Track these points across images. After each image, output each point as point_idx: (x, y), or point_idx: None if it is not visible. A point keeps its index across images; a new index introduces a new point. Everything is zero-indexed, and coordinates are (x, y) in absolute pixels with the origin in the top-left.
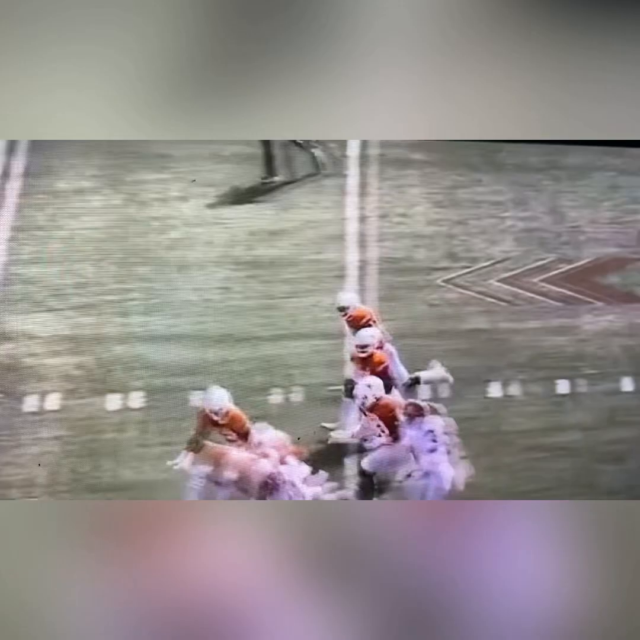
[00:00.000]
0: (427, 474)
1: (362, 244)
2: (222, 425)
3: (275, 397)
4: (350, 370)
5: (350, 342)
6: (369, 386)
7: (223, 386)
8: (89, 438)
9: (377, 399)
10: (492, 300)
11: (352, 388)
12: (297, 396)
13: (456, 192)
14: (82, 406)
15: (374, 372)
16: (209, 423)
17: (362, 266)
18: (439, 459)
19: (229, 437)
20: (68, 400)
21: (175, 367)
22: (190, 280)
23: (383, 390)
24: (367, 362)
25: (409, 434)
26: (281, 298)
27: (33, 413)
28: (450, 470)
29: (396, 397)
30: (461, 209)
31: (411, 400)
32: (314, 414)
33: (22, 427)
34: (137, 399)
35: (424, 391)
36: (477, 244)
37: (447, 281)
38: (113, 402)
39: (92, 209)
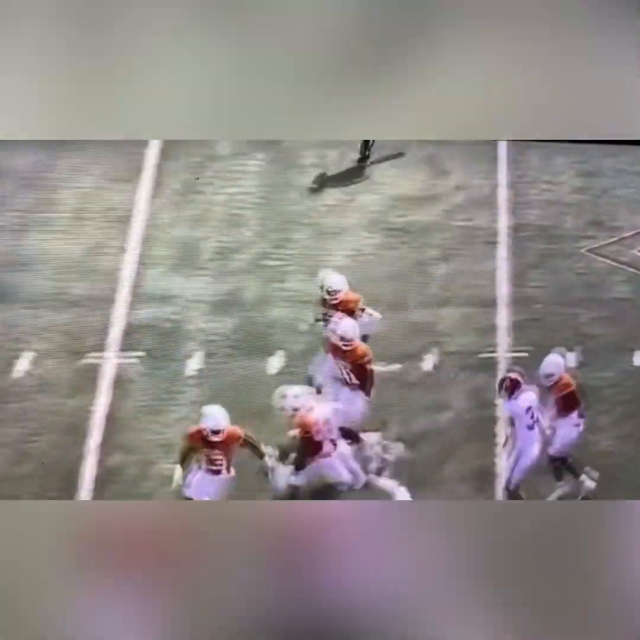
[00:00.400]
0: (519, 451)
1: (511, 210)
2: (214, 446)
3: (427, 364)
4: (324, 358)
5: (331, 330)
6: (296, 396)
7: (376, 353)
8: (239, 398)
9: (298, 410)
10: (635, 270)
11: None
12: (448, 363)
13: (600, 161)
14: (236, 368)
15: (355, 365)
16: (201, 442)
17: (511, 233)
18: (533, 437)
19: (216, 459)
20: (221, 363)
21: None
22: (344, 245)
23: (309, 402)
24: (347, 355)
25: (509, 408)
26: (432, 264)
27: (186, 376)
28: (538, 450)
29: (321, 412)
30: (605, 178)
31: (507, 374)
32: (465, 381)
33: (174, 390)
34: (277, 363)
35: (572, 359)
36: (621, 213)
37: (591, 251)
38: (271, 364)
39: (249, 173)
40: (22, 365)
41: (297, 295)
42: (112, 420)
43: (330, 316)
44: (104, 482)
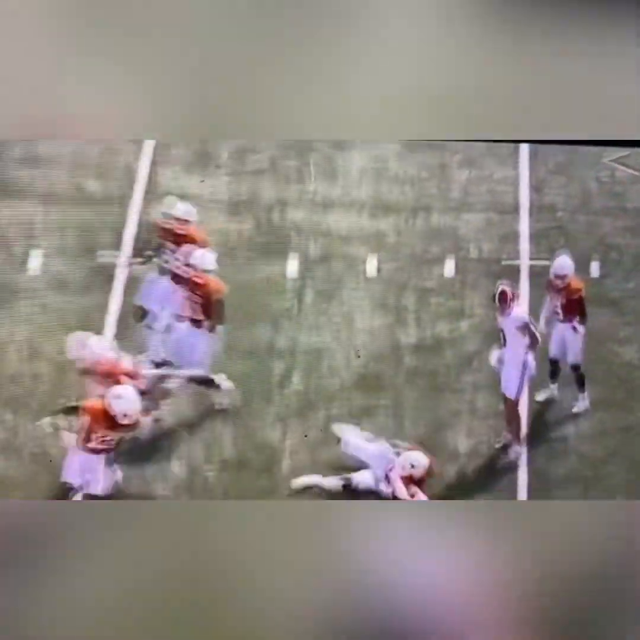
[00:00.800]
0: (524, 365)
1: None
2: (117, 428)
3: (449, 270)
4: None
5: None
6: (96, 348)
7: (396, 259)
8: (257, 300)
9: (94, 363)
10: None
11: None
12: (470, 269)
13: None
14: (254, 270)
15: (207, 302)
16: (111, 422)
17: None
18: (529, 351)
19: (108, 439)
20: (239, 264)
21: (348, 235)
22: (363, 149)
23: (102, 351)
24: (200, 288)
25: (517, 319)
26: (455, 169)
27: None
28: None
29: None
30: None
31: (503, 287)
32: (488, 287)
33: None
34: (295, 267)
35: (595, 268)
36: None
37: (615, 160)
38: (292, 267)
39: None
40: (35, 262)
41: (316, 198)
42: (125, 319)
43: (172, 248)
44: None
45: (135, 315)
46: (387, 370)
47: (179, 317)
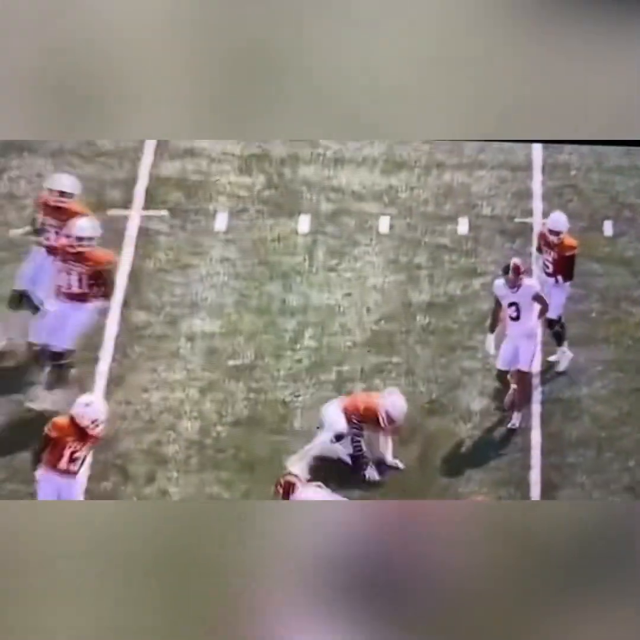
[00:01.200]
0: (529, 337)
1: None
2: (83, 439)
3: (462, 228)
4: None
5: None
6: None
7: (408, 215)
8: (269, 258)
9: None
10: None
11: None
12: (483, 226)
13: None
14: (265, 226)
15: (95, 274)
16: (80, 433)
17: None
18: (538, 327)
19: (76, 456)
20: (250, 219)
21: (360, 191)
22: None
23: None
24: (82, 258)
25: (520, 294)
26: None
27: (219, 231)
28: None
29: None
30: None
31: (514, 260)
32: (502, 245)
33: (201, 245)
34: (306, 223)
35: (608, 227)
36: None
37: None
38: (303, 224)
39: None
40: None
41: (328, 153)
42: (136, 275)
43: (52, 224)
44: (128, 340)
45: (12, 301)
46: (400, 329)
47: (59, 294)
